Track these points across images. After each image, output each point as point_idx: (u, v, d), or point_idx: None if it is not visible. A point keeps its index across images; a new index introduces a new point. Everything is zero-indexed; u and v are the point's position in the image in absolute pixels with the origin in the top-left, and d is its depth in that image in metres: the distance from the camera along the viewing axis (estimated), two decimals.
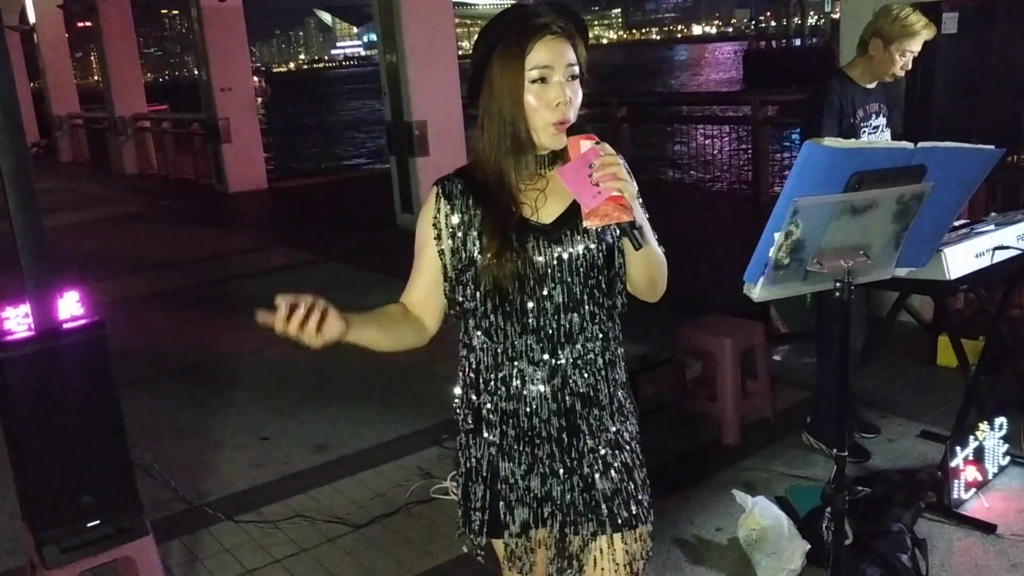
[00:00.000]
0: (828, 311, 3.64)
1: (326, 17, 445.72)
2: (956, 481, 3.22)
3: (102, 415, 2.44)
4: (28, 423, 2.33)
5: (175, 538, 3.38)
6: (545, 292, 1.62)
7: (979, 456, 3.36)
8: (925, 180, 1.85)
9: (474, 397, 1.71)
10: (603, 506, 1.70)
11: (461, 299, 1.67)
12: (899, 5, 3.33)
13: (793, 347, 5.05)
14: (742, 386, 4.05)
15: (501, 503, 1.70)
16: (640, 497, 1.74)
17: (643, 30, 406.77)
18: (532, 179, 1.65)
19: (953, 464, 3.22)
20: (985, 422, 3.39)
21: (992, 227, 3.18)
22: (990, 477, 3.41)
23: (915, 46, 3.25)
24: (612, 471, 1.71)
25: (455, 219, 1.65)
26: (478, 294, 1.64)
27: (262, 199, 12.56)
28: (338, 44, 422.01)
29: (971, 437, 3.33)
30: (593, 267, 1.64)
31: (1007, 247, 2.97)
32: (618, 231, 1.48)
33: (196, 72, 13.08)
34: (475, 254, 1.62)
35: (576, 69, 1.59)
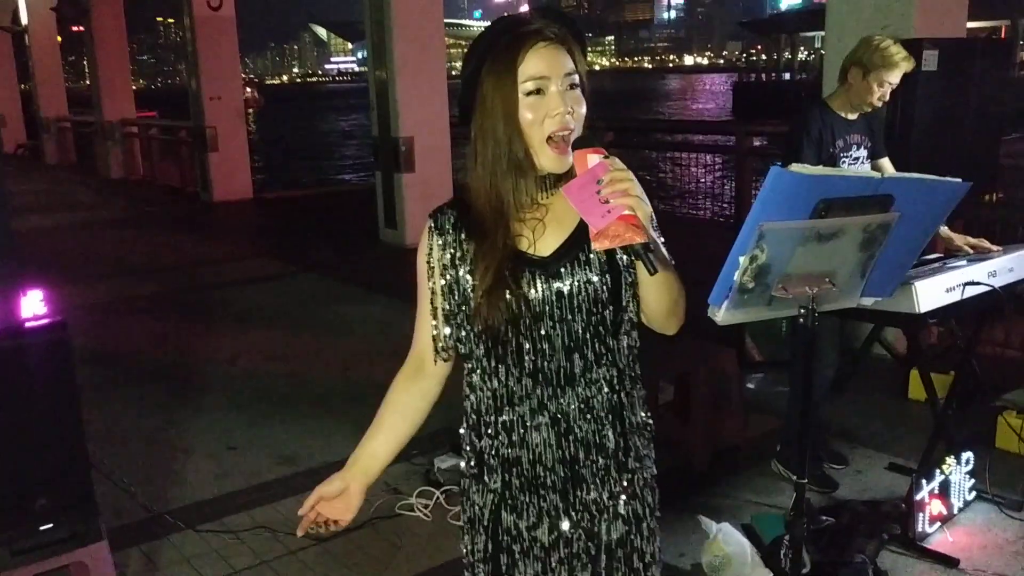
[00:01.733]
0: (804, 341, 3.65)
1: (321, 32, 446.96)
2: (921, 514, 3.22)
3: (61, 417, 2.41)
4: None
5: (134, 545, 3.32)
6: (543, 332, 1.48)
7: (945, 490, 3.36)
8: (892, 210, 1.86)
9: (476, 440, 1.59)
10: (604, 559, 1.59)
11: (455, 342, 1.55)
12: (881, 37, 3.37)
13: (768, 375, 5.06)
14: (714, 412, 4.05)
15: (503, 556, 1.58)
16: (645, 548, 1.62)
17: (635, 58, 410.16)
18: (531, 207, 1.50)
19: (918, 497, 3.22)
20: (952, 456, 3.40)
21: (964, 262, 3.20)
22: (955, 512, 3.41)
23: (894, 77, 3.28)
24: (620, 521, 1.59)
25: (448, 255, 1.52)
26: (472, 335, 1.52)
27: (246, 209, 12.51)
28: (332, 59, 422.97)
29: (937, 471, 3.33)
30: (597, 303, 1.48)
31: (977, 283, 2.98)
32: (631, 254, 1.37)
33: (187, 80, 13.07)
34: (468, 293, 1.50)
35: (576, 78, 1.45)
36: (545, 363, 1.49)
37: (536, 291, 1.46)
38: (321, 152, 31.54)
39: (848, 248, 1.87)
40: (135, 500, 3.67)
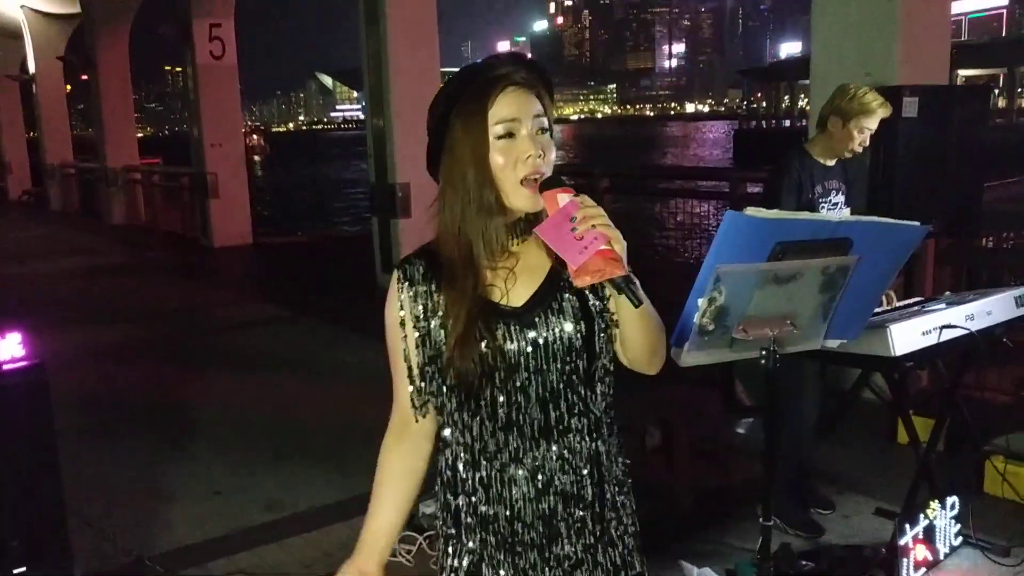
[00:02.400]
0: (787, 386, 3.66)
1: (327, 80, 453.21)
2: (905, 559, 3.20)
3: (37, 460, 2.42)
4: None
5: None
6: (518, 384, 1.45)
7: (930, 535, 3.34)
8: (851, 253, 1.89)
9: (451, 498, 1.54)
10: None
11: (428, 397, 1.51)
12: (856, 84, 3.43)
13: (757, 420, 5.04)
14: (700, 456, 4.05)
15: None
16: None
17: (637, 106, 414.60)
18: (500, 256, 1.48)
19: (902, 542, 3.20)
20: (936, 501, 3.39)
21: (943, 306, 3.22)
22: (941, 557, 3.39)
23: (872, 123, 3.34)
24: (600, 570, 1.55)
25: (419, 306, 1.48)
26: (444, 389, 1.48)
27: (246, 254, 12.60)
28: (338, 107, 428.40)
29: (921, 515, 3.32)
30: (571, 352, 1.46)
31: (954, 326, 2.99)
32: (614, 288, 1.36)
33: (188, 126, 13.25)
34: (440, 346, 1.47)
35: (544, 121, 1.46)
36: (520, 415, 1.46)
37: (511, 343, 1.44)
38: (323, 198, 31.78)
39: (808, 290, 1.89)
40: (116, 546, 3.66)
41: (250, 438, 4.95)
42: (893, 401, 4.49)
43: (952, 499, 3.45)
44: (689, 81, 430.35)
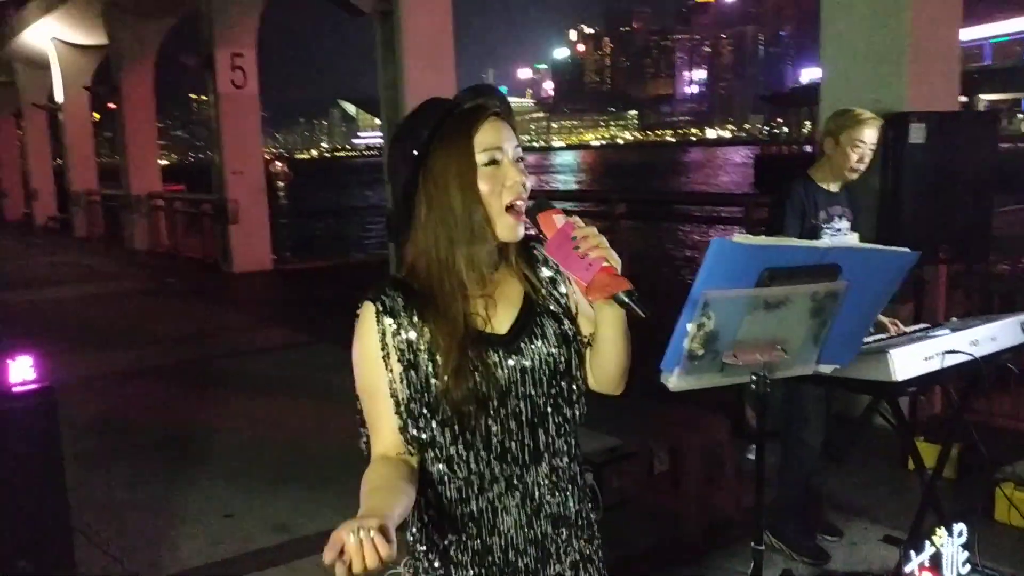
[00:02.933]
0: (793, 411, 3.67)
1: (350, 108, 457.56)
2: None
3: (45, 480, 2.47)
4: None
5: None
6: (509, 410, 1.46)
7: (936, 563, 3.31)
8: (841, 279, 1.91)
9: (438, 539, 1.51)
10: None
11: (415, 432, 1.46)
12: (847, 108, 3.48)
13: (767, 446, 5.02)
14: (708, 482, 4.04)
15: None
16: None
17: (658, 132, 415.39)
18: (479, 284, 1.49)
19: (908, 569, 3.17)
20: (943, 528, 3.36)
21: (947, 331, 3.21)
22: None
23: (864, 136, 3.36)
24: None
25: (402, 337, 1.45)
26: (433, 423, 1.45)
27: (265, 279, 12.72)
28: (360, 134, 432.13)
29: (928, 542, 3.29)
30: (556, 375, 1.49)
31: (957, 351, 2.99)
32: (619, 304, 1.39)
33: (210, 153, 13.45)
34: (429, 378, 1.44)
35: (520, 151, 1.48)
36: (513, 442, 1.47)
37: (502, 370, 1.45)
38: (345, 225, 32.04)
39: (798, 316, 1.91)
40: (123, 567, 3.69)
41: (261, 462, 5.00)
42: (897, 427, 4.47)
43: (960, 526, 3.42)
44: (710, 107, 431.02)
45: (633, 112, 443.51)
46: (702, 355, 1.87)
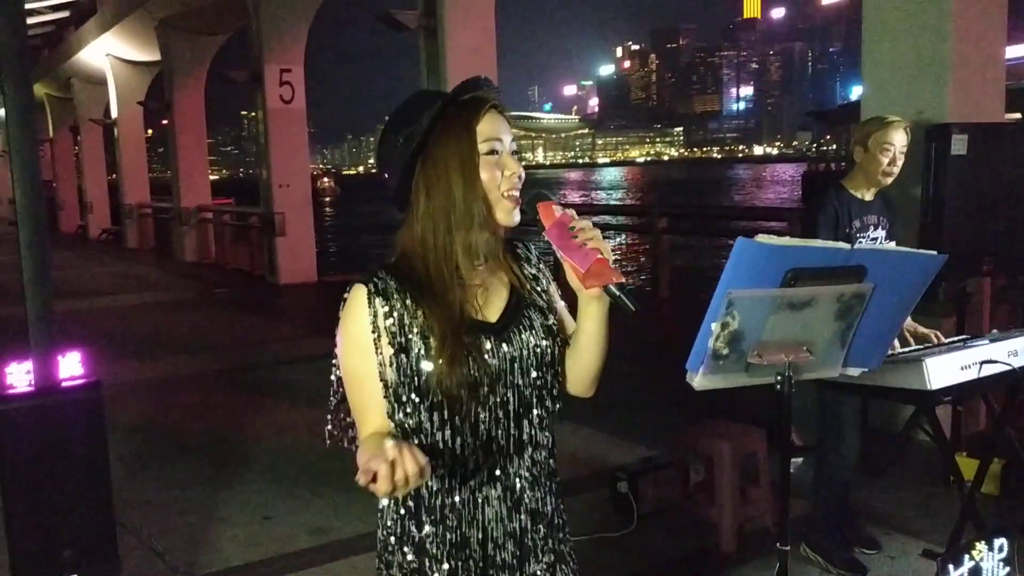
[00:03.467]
0: (829, 423, 3.65)
1: None
2: None
3: (91, 472, 2.56)
4: (21, 474, 2.46)
5: None
6: (497, 398, 1.47)
7: None
8: (866, 281, 1.91)
9: (414, 529, 1.50)
10: None
11: (401, 416, 1.46)
12: (875, 116, 3.49)
13: (807, 460, 4.98)
14: (743, 493, 4.02)
15: None
16: None
17: (704, 148, 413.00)
18: (470, 273, 1.51)
19: None
20: (983, 542, 3.31)
21: (986, 342, 3.18)
22: None
23: (892, 138, 3.35)
24: None
25: (394, 320, 1.44)
26: (422, 408, 1.45)
27: (310, 291, 12.91)
28: None
29: (967, 556, 3.24)
30: (542, 365, 1.51)
31: (994, 361, 2.96)
32: (610, 295, 1.43)
33: (259, 168, 13.72)
34: (419, 363, 1.43)
35: (515, 144, 1.52)
36: (500, 430, 1.48)
37: (494, 357, 1.46)
38: (390, 240, 32.33)
39: (823, 317, 1.93)
40: (164, 564, 3.78)
41: (301, 467, 5.07)
42: (937, 440, 4.42)
43: (1000, 541, 3.36)
44: (757, 124, 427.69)
45: (679, 129, 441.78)
46: (727, 355, 1.89)
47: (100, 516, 2.59)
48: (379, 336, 1.44)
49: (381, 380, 1.45)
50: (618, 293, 1.41)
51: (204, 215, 17.03)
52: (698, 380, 1.92)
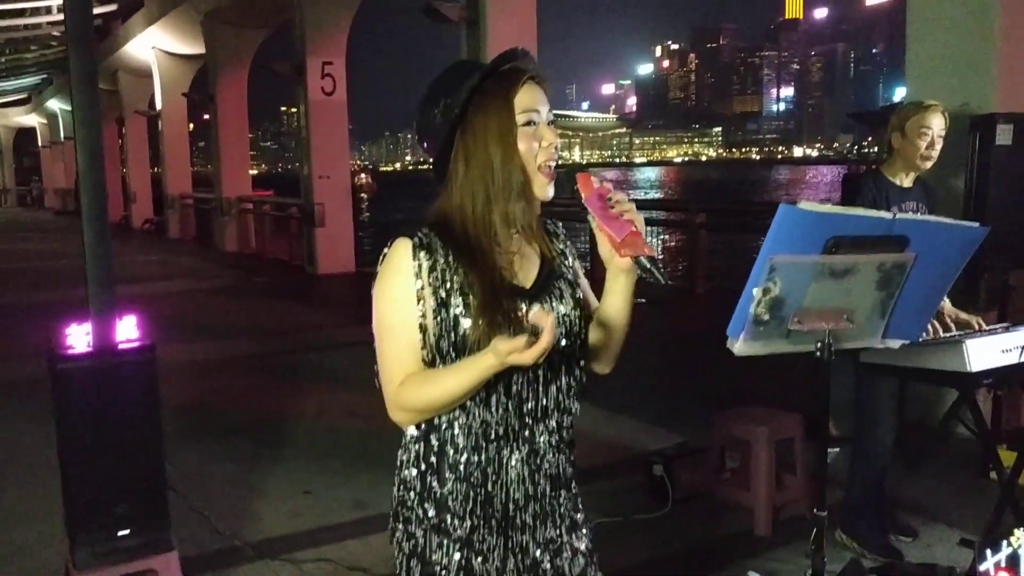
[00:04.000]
0: (865, 409, 3.65)
1: None
2: None
3: (145, 431, 2.66)
4: (79, 431, 2.57)
5: (208, 571, 3.53)
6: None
7: (1014, 564, 3.23)
8: (908, 251, 1.94)
9: (436, 485, 1.52)
10: None
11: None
12: (913, 102, 3.51)
13: (844, 450, 4.98)
14: (778, 479, 4.04)
15: None
16: None
17: (743, 149, 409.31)
18: (507, 240, 1.53)
19: (983, 567, 3.12)
20: (1022, 529, 3.30)
21: None
22: None
23: (929, 121, 3.36)
24: (580, 556, 1.63)
25: (436, 275, 1.47)
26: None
27: (348, 281, 13.06)
28: None
29: (1004, 543, 3.24)
30: (570, 334, 1.54)
31: None
32: (640, 268, 1.47)
33: (299, 160, 13.90)
34: (459, 319, 1.46)
35: (552, 115, 1.53)
36: (530, 393, 1.50)
37: (528, 322, 1.45)
38: None
39: (864, 286, 1.95)
40: (209, 531, 3.88)
41: (340, 446, 5.17)
42: (977, 431, 4.39)
43: None
44: (797, 125, 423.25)
45: (717, 129, 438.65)
46: (768, 320, 1.92)
47: (153, 474, 2.68)
48: (423, 287, 1.47)
49: (421, 331, 1.48)
50: (649, 266, 1.45)
51: (245, 206, 17.27)
52: (739, 346, 1.95)
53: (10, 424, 5.74)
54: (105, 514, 2.61)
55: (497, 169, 1.48)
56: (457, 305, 1.46)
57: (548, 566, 1.58)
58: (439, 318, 1.46)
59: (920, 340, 3.16)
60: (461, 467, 1.50)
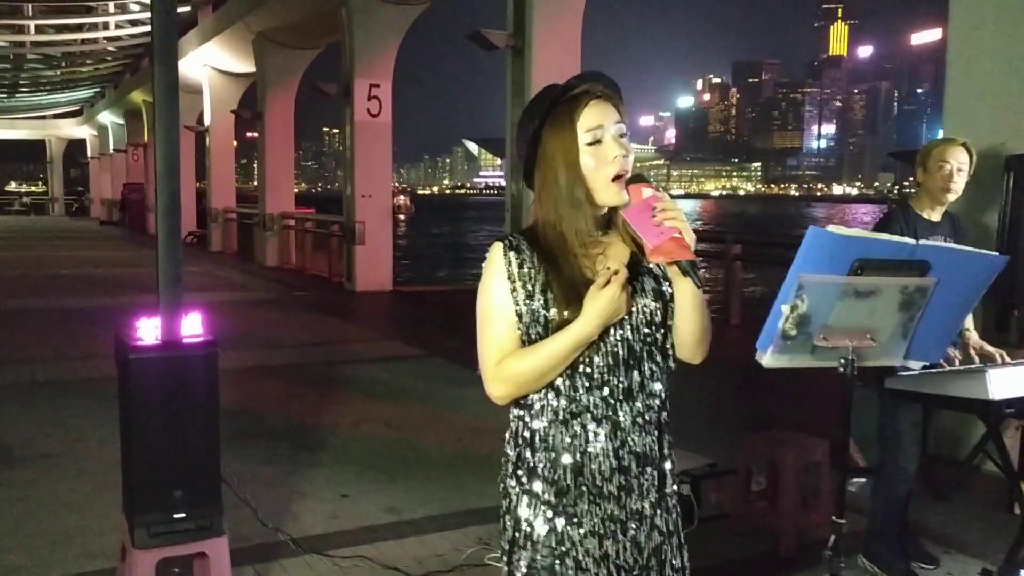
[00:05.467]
0: (888, 436, 3.73)
1: (472, 147, 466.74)
2: None
3: (203, 420, 2.83)
4: (143, 418, 2.74)
5: (249, 564, 3.69)
6: (609, 348, 1.67)
7: None
8: (930, 275, 2.06)
9: (529, 455, 1.70)
10: (651, 562, 1.74)
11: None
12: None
13: (869, 481, 5.03)
14: (804, 503, 4.12)
15: (556, 564, 1.68)
16: (675, 561, 1.79)
17: (782, 185, 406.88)
18: (591, 243, 1.70)
19: None
20: None
21: None
22: None
23: (952, 156, 3.46)
24: (656, 532, 1.75)
25: (525, 270, 1.68)
26: None
27: (385, 299, 13.29)
28: (481, 173, 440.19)
29: (1022, 571, 3.31)
30: (651, 324, 1.70)
31: None
32: (681, 271, 1.61)
33: (342, 179, 14.19)
34: (544, 311, 1.66)
35: (623, 127, 1.69)
36: (612, 377, 1.67)
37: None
38: (462, 256, 32.83)
39: (887, 307, 2.07)
40: (254, 524, 4.05)
41: (376, 454, 5.33)
42: (1001, 465, 4.44)
43: None
44: (838, 162, 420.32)
45: (756, 164, 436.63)
46: (795, 336, 2.05)
47: (209, 463, 2.85)
48: (514, 281, 1.68)
49: (517, 316, 1.68)
50: (688, 268, 1.60)
51: (287, 222, 17.63)
52: (767, 359, 2.08)
53: (66, 421, 5.98)
54: (163, 497, 2.77)
55: (563, 187, 1.67)
56: (541, 299, 1.66)
57: (631, 534, 1.72)
58: (529, 308, 1.67)
59: (945, 369, 3.27)
60: (550, 439, 1.69)
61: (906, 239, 2.02)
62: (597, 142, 1.66)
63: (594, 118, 1.66)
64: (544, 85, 1.75)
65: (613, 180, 1.67)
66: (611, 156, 1.66)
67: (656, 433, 1.73)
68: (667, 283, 1.75)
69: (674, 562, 1.78)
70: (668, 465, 1.78)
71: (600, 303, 1.58)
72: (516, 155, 1.80)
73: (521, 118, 1.74)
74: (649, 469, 1.72)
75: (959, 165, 3.47)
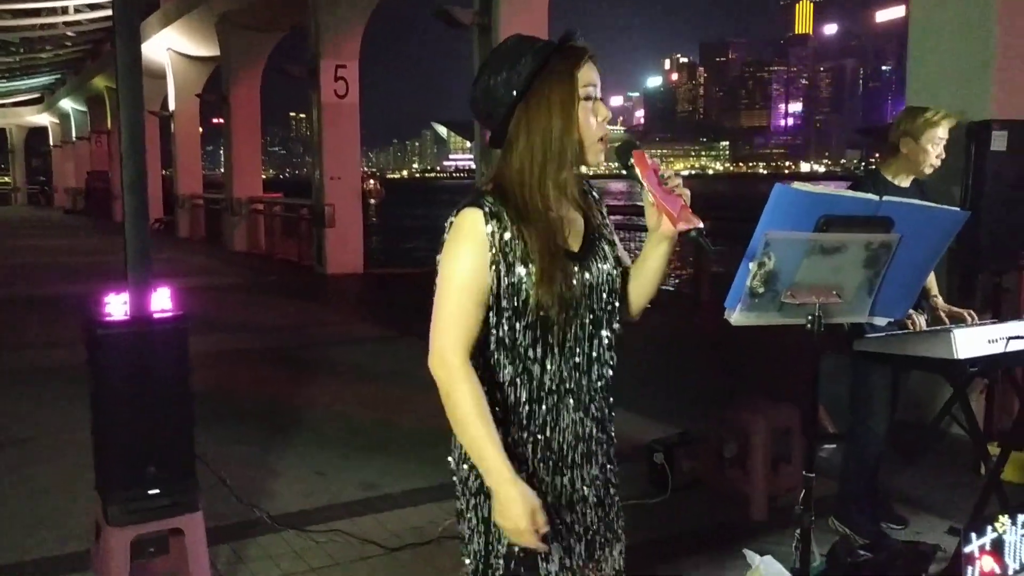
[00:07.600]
0: (859, 399, 3.79)
1: (442, 130, 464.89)
2: (970, 567, 3.26)
3: (176, 396, 2.81)
4: (114, 393, 2.73)
5: (225, 543, 3.68)
6: (579, 319, 1.64)
7: (998, 548, 3.38)
8: (893, 232, 2.09)
9: (503, 435, 1.64)
10: (615, 523, 1.81)
11: (500, 333, 1.63)
12: (919, 106, 3.63)
13: (839, 447, 5.11)
14: (775, 468, 4.18)
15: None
16: (619, 507, 1.84)
17: (750, 164, 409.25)
18: (558, 205, 1.66)
19: (967, 550, 3.26)
20: (1007, 515, 3.43)
21: (1017, 323, 3.32)
22: (1010, 573, 3.42)
23: (942, 133, 3.50)
24: (611, 488, 1.80)
25: (505, 240, 1.60)
26: (518, 324, 1.62)
27: (356, 281, 13.23)
28: (451, 156, 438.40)
29: (989, 527, 3.37)
30: (612, 292, 1.69)
31: (1021, 336, 3.10)
32: (691, 238, 1.62)
33: (311, 163, 14.09)
34: (520, 283, 1.60)
35: (600, 92, 1.67)
36: (579, 348, 1.66)
37: (578, 282, 1.63)
38: (433, 239, 32.82)
39: (852, 264, 2.11)
40: (229, 503, 4.03)
41: (351, 433, 5.33)
42: (968, 428, 4.53)
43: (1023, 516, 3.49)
44: (805, 140, 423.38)
45: (725, 143, 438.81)
46: (762, 293, 2.08)
47: (182, 439, 2.83)
48: (496, 253, 1.60)
49: (491, 293, 1.62)
50: (700, 238, 1.61)
51: (255, 207, 17.47)
52: (735, 316, 2.11)
53: (36, 407, 5.92)
54: (137, 473, 2.76)
55: (556, 138, 1.61)
56: (520, 271, 1.60)
57: (592, 498, 1.76)
58: (507, 283, 1.61)
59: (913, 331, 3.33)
60: (521, 416, 1.66)
61: (870, 195, 2.05)
62: (589, 98, 1.64)
63: (591, 76, 1.65)
64: None
65: (599, 140, 1.67)
66: (601, 116, 1.65)
67: (606, 396, 1.76)
68: (617, 247, 1.77)
69: (619, 509, 1.85)
70: (611, 428, 1.82)
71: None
72: (474, 107, 1.70)
73: (496, 65, 1.64)
74: (603, 435, 1.77)
75: (944, 140, 3.53)
